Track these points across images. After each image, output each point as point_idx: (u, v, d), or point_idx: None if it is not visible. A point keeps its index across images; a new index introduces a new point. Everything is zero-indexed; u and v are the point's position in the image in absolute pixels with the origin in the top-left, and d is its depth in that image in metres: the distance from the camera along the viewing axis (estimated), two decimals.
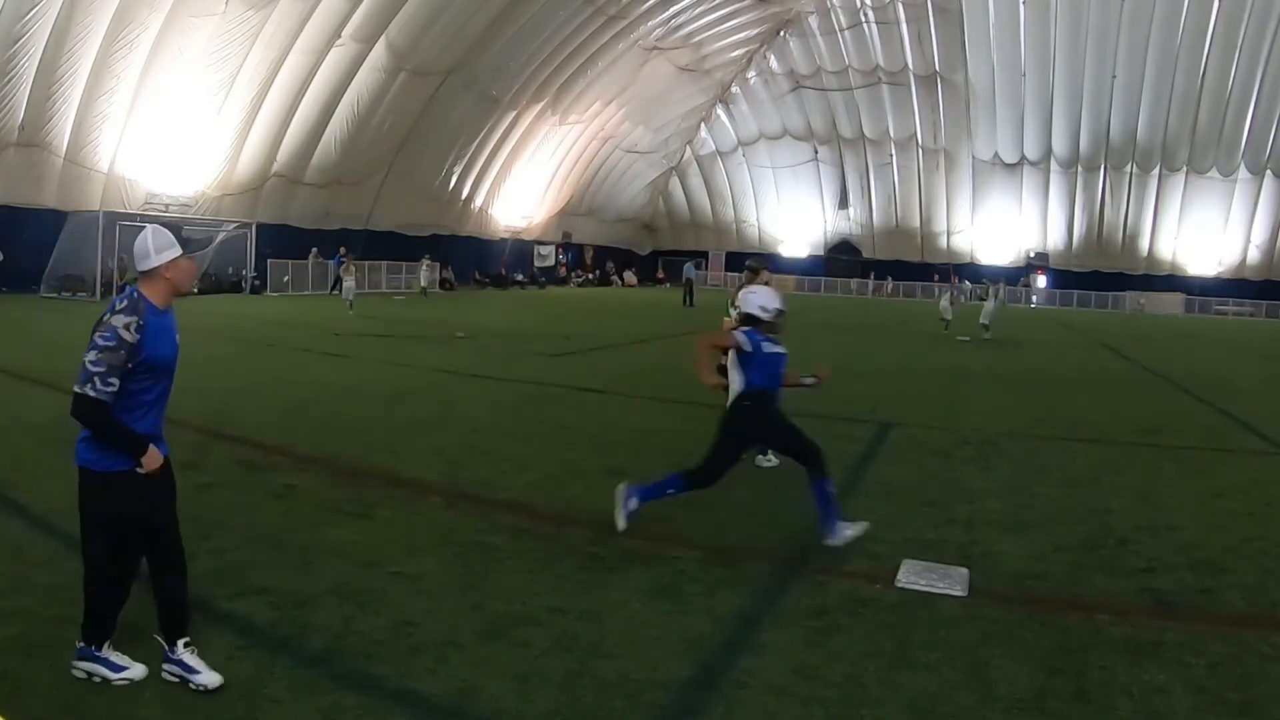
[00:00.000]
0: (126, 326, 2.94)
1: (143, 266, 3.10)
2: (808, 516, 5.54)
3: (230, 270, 27.47)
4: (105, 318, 2.98)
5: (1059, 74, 40.77)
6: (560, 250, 47.53)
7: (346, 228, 31.65)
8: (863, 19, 41.73)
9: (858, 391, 11.47)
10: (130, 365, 2.95)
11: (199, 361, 11.79)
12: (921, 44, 42.00)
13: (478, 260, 40.20)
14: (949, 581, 4.36)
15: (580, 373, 12.06)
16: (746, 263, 7.52)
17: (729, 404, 5.06)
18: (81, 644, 3.09)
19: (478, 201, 38.39)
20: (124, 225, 22.90)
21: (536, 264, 44.92)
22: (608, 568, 4.46)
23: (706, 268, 52.55)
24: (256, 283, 27.73)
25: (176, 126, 24.20)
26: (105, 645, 3.10)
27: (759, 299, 5.02)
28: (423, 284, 30.74)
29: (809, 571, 4.56)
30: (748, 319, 4.98)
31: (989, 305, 22.09)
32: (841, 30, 42.69)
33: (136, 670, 3.09)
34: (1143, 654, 3.65)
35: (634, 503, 4.88)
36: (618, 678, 3.28)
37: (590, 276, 49.19)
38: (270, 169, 27.78)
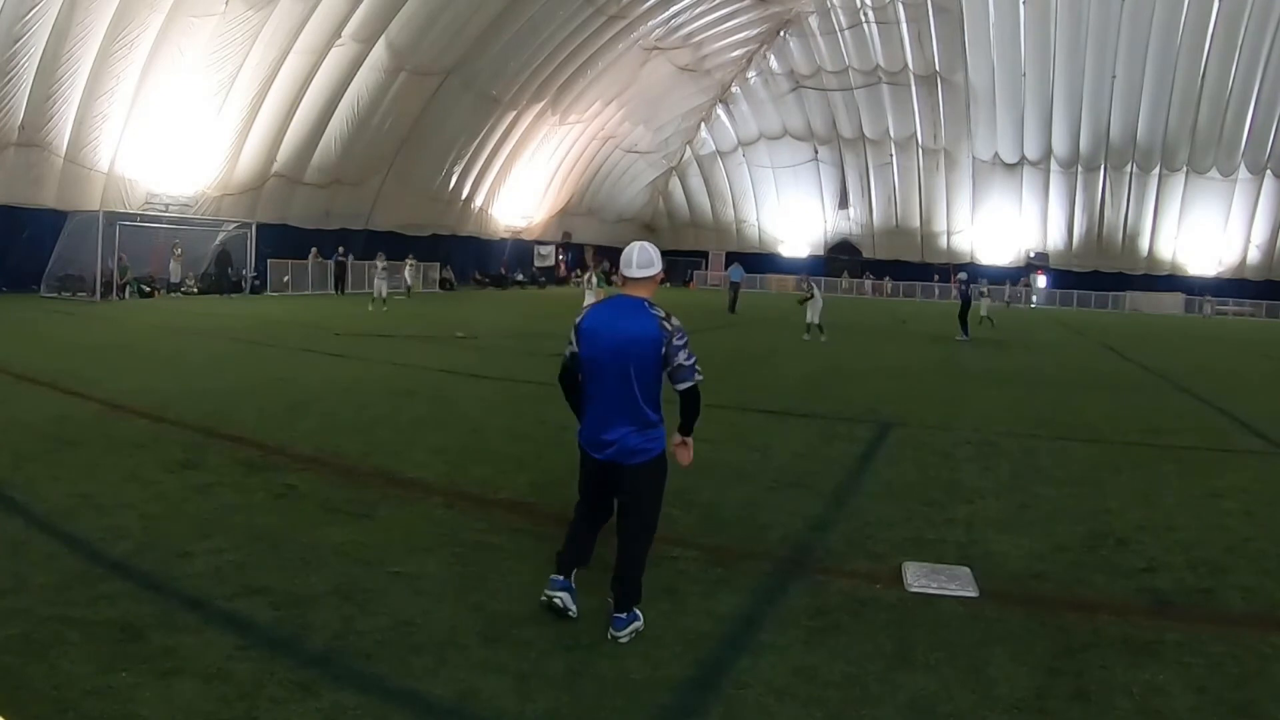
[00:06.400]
0: (681, 321, 3.64)
1: (646, 272, 3.73)
2: (808, 517, 5.54)
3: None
4: (665, 325, 3.56)
5: (1059, 74, 40.76)
6: (560, 250, 47.52)
7: (346, 228, 31.62)
8: (863, 19, 41.72)
9: (857, 391, 11.49)
10: None
11: (199, 361, 11.83)
12: (921, 44, 41.99)
13: (478, 260, 40.18)
14: (960, 583, 4.35)
15: None
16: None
17: None
18: (625, 613, 3.61)
19: (478, 201, 38.38)
20: (124, 225, 22.96)
21: (536, 264, 44.91)
22: (608, 567, 4.44)
23: (706, 268, 52.56)
24: (256, 283, 27.73)
25: (176, 126, 24.18)
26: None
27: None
28: (380, 295, 23.09)
29: (809, 571, 4.55)
30: None
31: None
32: (841, 30, 42.69)
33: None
34: (1143, 654, 3.65)
35: None
36: (618, 678, 3.28)
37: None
38: (270, 169, 27.76)
